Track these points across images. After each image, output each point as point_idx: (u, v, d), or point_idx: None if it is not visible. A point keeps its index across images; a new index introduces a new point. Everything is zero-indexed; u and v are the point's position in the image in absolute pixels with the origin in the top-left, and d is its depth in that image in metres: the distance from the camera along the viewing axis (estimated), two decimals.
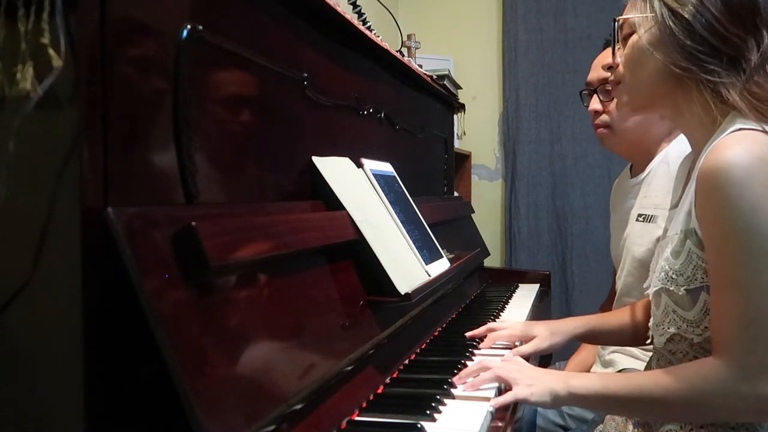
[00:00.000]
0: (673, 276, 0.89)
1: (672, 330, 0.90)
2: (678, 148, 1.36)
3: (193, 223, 0.61)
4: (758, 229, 0.78)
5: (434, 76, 1.89)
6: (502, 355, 1.08)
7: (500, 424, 0.84)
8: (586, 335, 1.20)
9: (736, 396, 0.79)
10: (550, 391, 0.89)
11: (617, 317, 1.21)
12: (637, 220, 1.43)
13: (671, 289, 0.89)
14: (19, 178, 0.57)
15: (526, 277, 2.04)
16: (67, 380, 0.55)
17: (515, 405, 0.91)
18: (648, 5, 0.90)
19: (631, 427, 1.06)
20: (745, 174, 0.78)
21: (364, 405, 0.84)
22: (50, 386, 0.57)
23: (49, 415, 0.57)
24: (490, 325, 1.22)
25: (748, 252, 0.79)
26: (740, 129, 0.82)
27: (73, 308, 0.55)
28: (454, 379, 0.94)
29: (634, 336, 1.17)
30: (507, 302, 1.66)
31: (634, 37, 0.93)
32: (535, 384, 0.89)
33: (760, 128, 0.82)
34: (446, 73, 2.47)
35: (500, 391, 0.92)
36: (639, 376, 0.94)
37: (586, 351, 1.66)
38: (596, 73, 1.53)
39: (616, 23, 0.97)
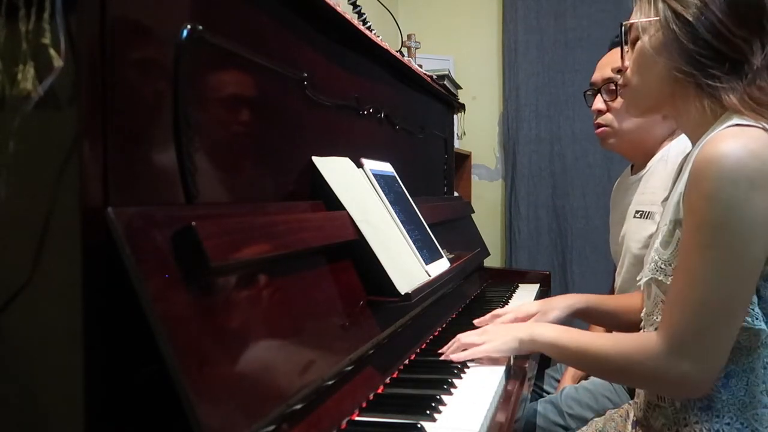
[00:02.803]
0: (662, 266, 0.90)
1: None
2: (678, 146, 1.37)
3: (193, 223, 0.61)
4: (729, 224, 0.79)
5: (434, 76, 1.89)
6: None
7: (501, 420, 0.84)
8: (584, 311, 1.25)
9: (661, 369, 0.85)
10: (515, 338, 1.01)
11: (615, 301, 1.27)
12: (634, 216, 1.44)
13: (660, 279, 0.90)
14: (19, 178, 0.57)
15: (526, 277, 2.04)
16: (67, 380, 0.55)
17: (515, 404, 0.91)
18: (653, 8, 0.91)
19: (629, 427, 1.07)
20: (735, 167, 0.78)
21: (364, 405, 0.84)
22: (50, 386, 0.57)
23: (49, 415, 0.57)
24: (495, 311, 1.26)
25: (711, 244, 0.80)
26: (737, 124, 0.83)
27: (73, 308, 0.55)
28: (443, 357, 1.02)
29: (627, 322, 1.21)
30: (507, 302, 1.66)
31: (641, 42, 0.94)
32: (500, 337, 1.02)
33: (758, 125, 0.82)
34: (446, 73, 2.47)
35: (510, 371, 1.00)
36: (591, 335, 1.00)
37: None
38: (600, 73, 1.53)
39: (623, 27, 0.98)
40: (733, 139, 0.80)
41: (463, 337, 1.04)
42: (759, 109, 0.83)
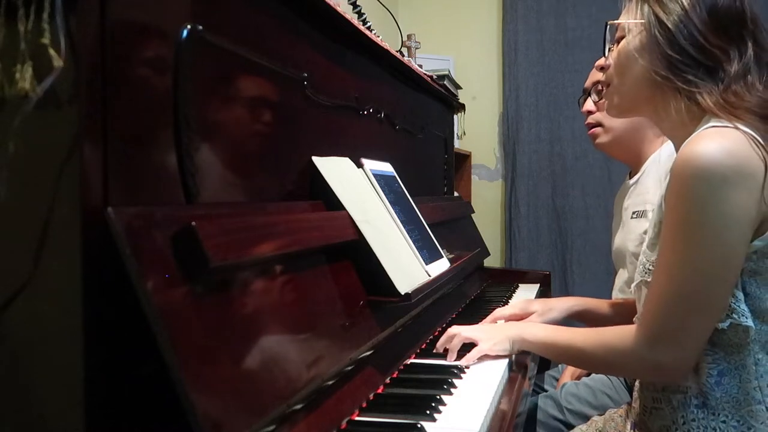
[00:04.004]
0: (650, 267, 0.92)
1: None
2: (670, 149, 1.37)
3: (194, 223, 0.61)
4: (705, 222, 0.81)
5: (434, 76, 1.89)
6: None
7: (501, 420, 0.84)
8: (581, 313, 1.28)
9: (638, 357, 0.89)
10: (508, 339, 1.05)
11: (614, 305, 1.29)
12: (632, 217, 1.45)
13: (649, 280, 0.91)
14: (19, 178, 0.57)
15: (526, 277, 2.04)
16: (67, 380, 0.55)
17: (516, 404, 0.91)
18: (639, 11, 0.94)
19: (629, 427, 1.07)
20: (708, 166, 0.80)
21: (364, 405, 0.84)
22: (50, 386, 0.57)
23: (49, 415, 0.57)
24: (496, 311, 1.29)
25: (686, 240, 0.83)
26: (713, 126, 0.85)
27: (73, 308, 0.55)
28: (437, 347, 1.08)
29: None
30: (507, 302, 1.66)
31: (623, 42, 0.96)
32: (495, 338, 1.05)
33: (732, 126, 0.84)
34: (446, 73, 2.47)
35: (511, 371, 1.03)
36: (577, 331, 1.02)
37: None
38: (591, 78, 1.57)
39: (607, 26, 1.01)
40: (708, 139, 0.82)
41: (463, 332, 1.07)
42: (735, 112, 0.85)
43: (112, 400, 0.57)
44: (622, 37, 0.97)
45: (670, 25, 0.89)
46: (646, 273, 0.93)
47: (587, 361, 1.02)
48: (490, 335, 1.06)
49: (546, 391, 1.69)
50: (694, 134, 0.86)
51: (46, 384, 0.57)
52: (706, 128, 0.85)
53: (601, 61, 1.06)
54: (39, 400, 0.57)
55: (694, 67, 0.88)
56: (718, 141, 0.81)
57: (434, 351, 1.08)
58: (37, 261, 0.56)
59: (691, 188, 0.81)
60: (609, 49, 1.01)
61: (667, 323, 0.85)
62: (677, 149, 0.97)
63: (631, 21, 0.95)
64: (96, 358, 0.55)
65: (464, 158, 2.98)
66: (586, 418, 1.39)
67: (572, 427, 1.41)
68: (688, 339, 0.85)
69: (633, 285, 0.98)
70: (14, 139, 0.55)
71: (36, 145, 0.56)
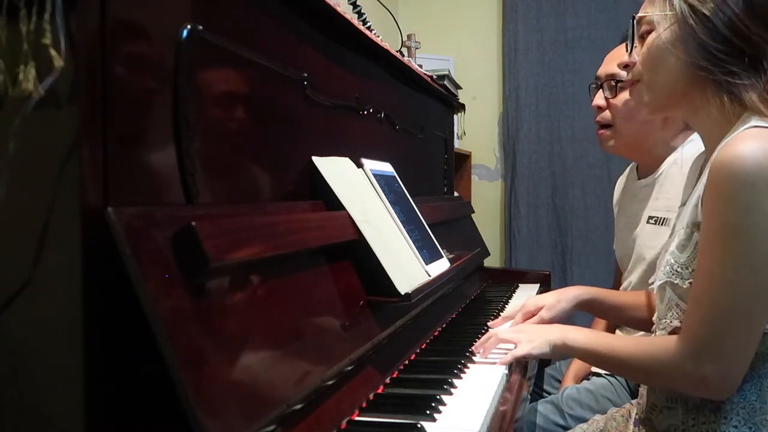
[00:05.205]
0: (678, 269, 0.89)
1: (675, 323, 0.91)
2: (691, 150, 1.34)
3: (194, 223, 0.61)
4: (749, 228, 0.79)
5: (434, 76, 1.89)
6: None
7: (502, 420, 0.84)
8: (588, 302, 1.26)
9: (681, 371, 0.86)
10: (549, 342, 1.02)
11: (620, 296, 1.28)
12: (648, 222, 1.41)
13: (676, 282, 0.89)
14: (19, 178, 0.57)
15: (526, 277, 2.04)
16: (67, 380, 0.55)
17: (515, 404, 0.91)
18: (668, 3, 0.89)
19: (631, 426, 1.07)
20: (753, 169, 0.77)
21: (364, 405, 0.84)
22: (50, 386, 0.57)
23: (49, 415, 0.57)
24: (505, 314, 1.30)
25: (732, 248, 0.80)
26: (755, 126, 0.82)
27: (73, 308, 0.55)
28: (473, 349, 1.09)
29: (631, 318, 1.23)
30: (507, 302, 1.66)
31: (653, 35, 0.92)
32: (535, 339, 1.02)
33: None
34: (446, 73, 2.47)
35: (511, 371, 1.02)
36: (619, 338, 1.03)
37: None
38: (605, 68, 1.49)
39: (634, 20, 0.96)
40: (752, 141, 0.79)
41: (500, 333, 1.08)
42: None
43: (112, 400, 0.57)
44: (647, 33, 0.93)
45: (707, 12, 0.84)
46: (673, 274, 0.90)
47: (629, 370, 1.00)
48: (530, 337, 1.04)
49: (546, 392, 1.69)
50: (733, 134, 0.82)
51: (46, 384, 0.57)
52: (747, 128, 0.82)
53: (625, 59, 1.00)
54: (39, 400, 0.57)
55: (736, 56, 0.84)
56: (761, 143, 0.78)
57: (471, 350, 1.09)
58: (37, 261, 0.56)
59: (733, 192, 0.78)
60: (634, 46, 0.96)
61: (711, 336, 0.82)
62: (707, 145, 0.95)
63: (660, 13, 0.90)
64: (96, 358, 0.55)
65: (464, 158, 2.98)
66: (586, 422, 1.39)
67: None
68: (735, 352, 0.82)
69: (656, 285, 0.95)
70: (14, 139, 0.55)
71: (36, 145, 0.56)
